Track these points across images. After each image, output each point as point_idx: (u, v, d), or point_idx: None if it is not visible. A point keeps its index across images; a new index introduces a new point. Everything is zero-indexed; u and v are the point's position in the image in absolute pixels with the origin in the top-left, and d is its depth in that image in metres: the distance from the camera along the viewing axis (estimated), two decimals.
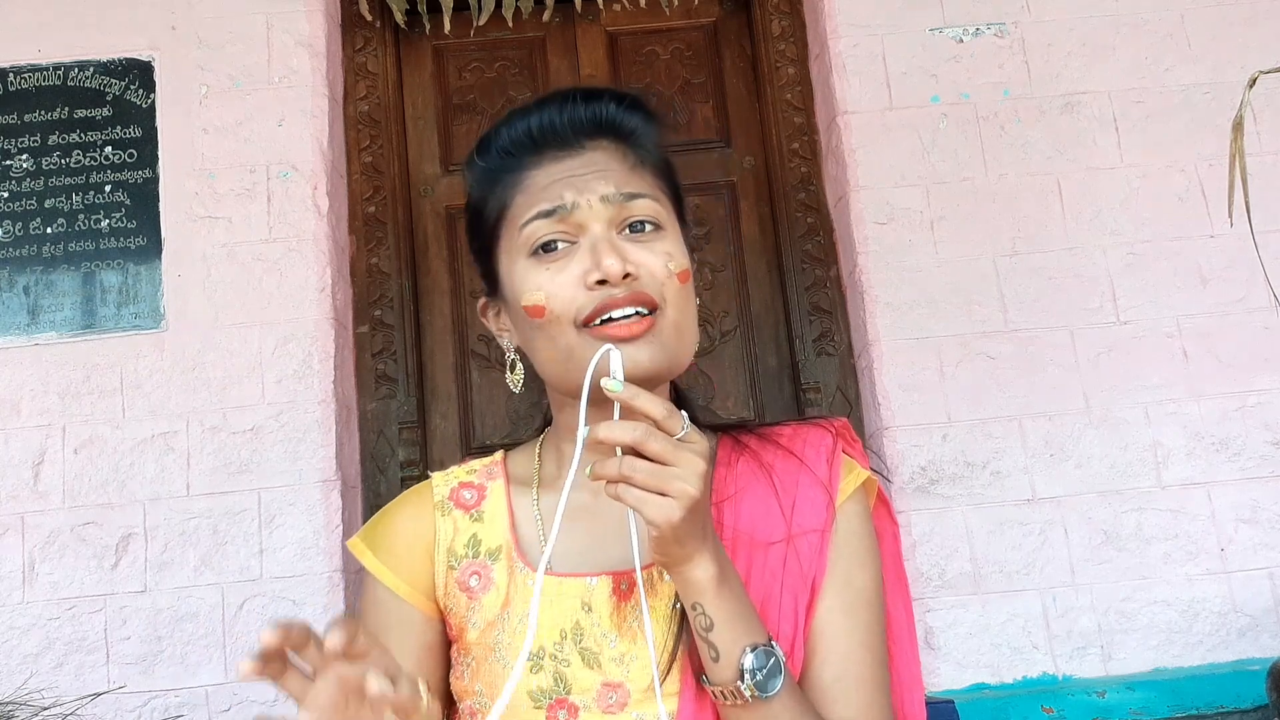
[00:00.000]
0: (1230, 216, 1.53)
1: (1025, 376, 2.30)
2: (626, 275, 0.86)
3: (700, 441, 0.78)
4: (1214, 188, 2.38)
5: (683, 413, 0.79)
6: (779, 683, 0.80)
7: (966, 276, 2.35)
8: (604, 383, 0.79)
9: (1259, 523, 2.24)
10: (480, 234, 0.97)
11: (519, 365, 0.95)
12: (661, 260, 0.88)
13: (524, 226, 0.90)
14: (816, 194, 2.56)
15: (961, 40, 2.47)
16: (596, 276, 0.85)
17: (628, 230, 0.89)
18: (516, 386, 0.95)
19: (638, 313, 0.86)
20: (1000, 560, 2.22)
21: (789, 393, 2.52)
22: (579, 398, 0.81)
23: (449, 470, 1.03)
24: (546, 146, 0.93)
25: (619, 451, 0.77)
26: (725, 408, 2.49)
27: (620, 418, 0.79)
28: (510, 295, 0.92)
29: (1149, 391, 2.30)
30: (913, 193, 2.39)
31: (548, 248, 0.89)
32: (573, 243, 0.89)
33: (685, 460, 0.76)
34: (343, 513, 2.22)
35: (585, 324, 0.86)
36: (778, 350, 2.54)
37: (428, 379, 2.52)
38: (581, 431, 0.79)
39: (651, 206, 0.91)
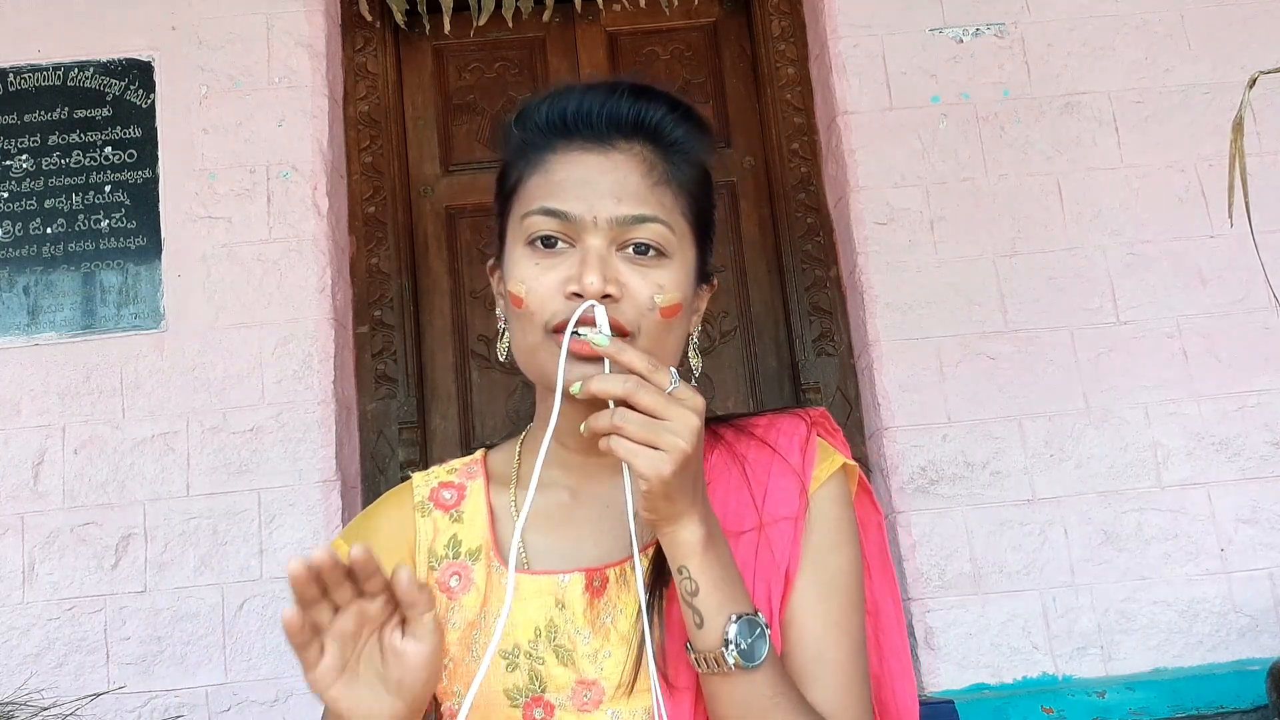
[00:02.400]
0: (1230, 216, 1.54)
1: (1025, 376, 2.30)
2: (606, 296, 0.84)
3: (693, 397, 0.77)
4: (1214, 188, 2.38)
5: (671, 369, 0.78)
6: (763, 653, 0.79)
7: (966, 276, 2.35)
8: (590, 336, 0.79)
9: (1259, 523, 2.23)
10: (499, 197, 0.96)
11: (507, 334, 0.93)
12: (649, 291, 0.86)
13: (526, 216, 0.89)
14: (816, 194, 2.55)
15: (961, 40, 2.47)
16: (574, 288, 0.84)
17: (630, 250, 0.87)
18: (504, 355, 0.94)
19: None
20: (1000, 560, 2.21)
21: (789, 393, 2.51)
22: (544, 385, 0.83)
23: (430, 470, 1.02)
24: (578, 134, 0.90)
25: (611, 406, 0.77)
26: (725, 408, 2.49)
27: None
28: (504, 271, 0.92)
29: (1149, 391, 2.30)
30: (913, 193, 2.39)
31: (547, 242, 0.87)
32: (572, 245, 0.87)
33: (677, 414, 0.75)
34: (343, 513, 2.22)
35: (556, 330, 0.84)
36: (778, 351, 2.54)
37: (428, 379, 2.52)
38: (560, 387, 0.81)
39: (659, 232, 0.87)
